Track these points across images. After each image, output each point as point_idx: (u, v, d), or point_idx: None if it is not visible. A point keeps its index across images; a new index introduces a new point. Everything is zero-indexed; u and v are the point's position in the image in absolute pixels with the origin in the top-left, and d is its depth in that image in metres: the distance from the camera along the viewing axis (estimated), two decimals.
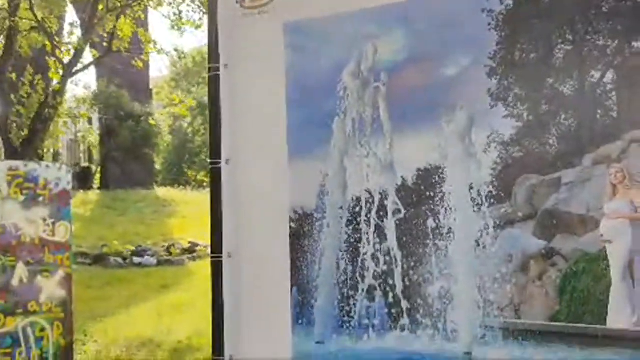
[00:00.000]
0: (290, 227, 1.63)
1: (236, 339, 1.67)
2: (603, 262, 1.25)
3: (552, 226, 1.30)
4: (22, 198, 2.89)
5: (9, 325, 2.92)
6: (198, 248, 8.50)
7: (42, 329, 4.14)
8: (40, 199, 3.06)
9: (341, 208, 1.55)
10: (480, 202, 1.37)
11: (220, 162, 1.69)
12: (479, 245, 1.37)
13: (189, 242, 8.88)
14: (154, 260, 8.29)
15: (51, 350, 4.18)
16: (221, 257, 1.69)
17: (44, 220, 4.20)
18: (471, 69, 1.39)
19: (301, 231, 1.61)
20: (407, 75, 1.47)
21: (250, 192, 1.68)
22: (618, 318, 1.23)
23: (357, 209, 1.53)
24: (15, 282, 2.97)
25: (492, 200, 1.36)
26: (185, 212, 10.82)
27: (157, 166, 15.38)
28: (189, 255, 8.45)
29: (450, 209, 1.40)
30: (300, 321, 1.59)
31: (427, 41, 1.45)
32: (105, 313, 5.83)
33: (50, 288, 4.25)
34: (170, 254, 8.59)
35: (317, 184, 1.58)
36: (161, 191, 13.51)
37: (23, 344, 3.43)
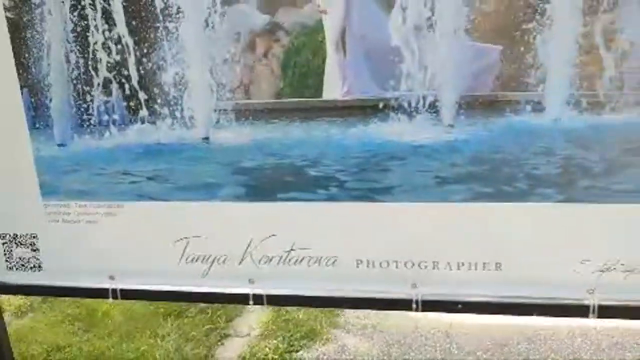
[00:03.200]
0: (7, 17, 1.38)
1: None
2: (320, 35, 1.26)
3: None
4: None
5: None
6: None
7: None
8: None
9: None
10: None
11: None
12: (208, 25, 1.30)
13: None
14: None
15: None
16: None
17: None
18: None
19: (20, 22, 1.38)
20: None
21: None
22: (331, 89, 1.29)
23: None
24: None
25: None
26: None
27: None
28: None
29: None
30: (37, 125, 1.46)
31: None
32: None
33: None
34: None
35: None
36: None
37: None
